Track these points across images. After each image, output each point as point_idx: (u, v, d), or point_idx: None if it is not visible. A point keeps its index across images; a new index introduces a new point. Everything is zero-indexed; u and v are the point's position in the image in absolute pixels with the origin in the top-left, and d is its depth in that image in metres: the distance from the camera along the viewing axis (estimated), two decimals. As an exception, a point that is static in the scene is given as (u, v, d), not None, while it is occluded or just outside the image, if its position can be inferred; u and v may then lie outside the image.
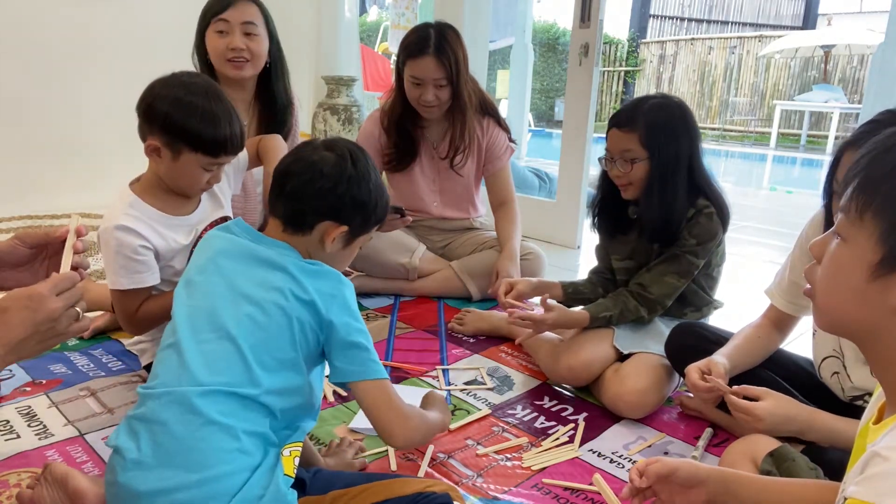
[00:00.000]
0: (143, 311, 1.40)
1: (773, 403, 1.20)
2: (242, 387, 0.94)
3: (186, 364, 0.95)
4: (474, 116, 2.24)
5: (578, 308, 1.68)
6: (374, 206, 1.08)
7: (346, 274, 1.35)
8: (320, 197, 1.03)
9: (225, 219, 1.52)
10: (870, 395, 1.24)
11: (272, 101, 2.01)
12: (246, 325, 0.96)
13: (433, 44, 2.07)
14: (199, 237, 1.46)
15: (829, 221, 1.23)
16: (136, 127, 1.34)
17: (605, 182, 1.71)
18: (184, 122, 1.29)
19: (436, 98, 2.12)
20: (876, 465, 0.63)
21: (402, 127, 2.24)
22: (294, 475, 0.97)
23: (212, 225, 1.48)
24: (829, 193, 1.23)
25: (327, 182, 1.02)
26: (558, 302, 1.81)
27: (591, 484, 1.27)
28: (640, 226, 1.68)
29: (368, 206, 1.07)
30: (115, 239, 1.34)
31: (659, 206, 1.59)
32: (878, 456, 0.63)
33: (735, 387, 1.24)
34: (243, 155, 1.61)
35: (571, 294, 1.82)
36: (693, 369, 1.32)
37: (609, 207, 1.74)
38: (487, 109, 2.30)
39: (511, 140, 2.34)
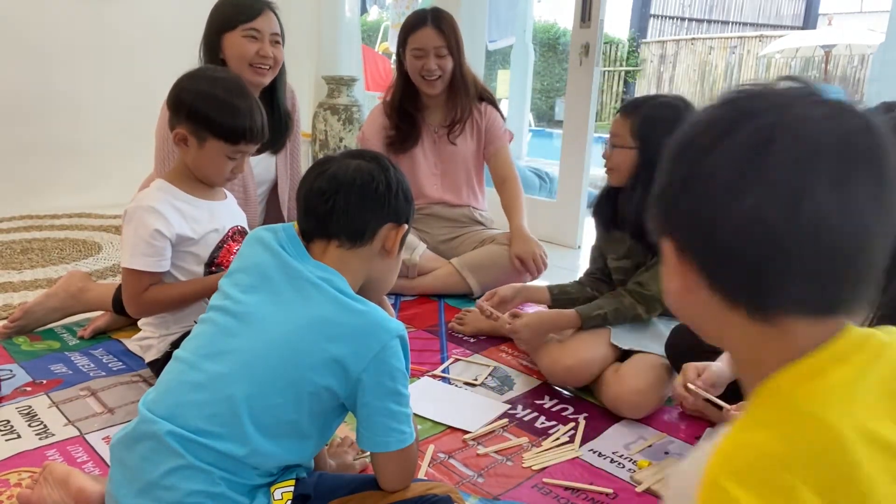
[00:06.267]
0: (150, 295, 1.43)
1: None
2: (226, 442, 0.88)
3: (180, 393, 0.91)
4: (473, 100, 2.34)
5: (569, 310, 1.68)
6: (413, 197, 1.08)
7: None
8: (380, 201, 1.01)
9: (241, 229, 1.55)
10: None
11: (277, 107, 2.07)
12: (250, 373, 0.90)
13: (430, 17, 2.23)
14: (224, 238, 1.49)
15: None
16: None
17: None
18: (208, 109, 1.36)
19: (438, 68, 2.22)
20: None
21: (404, 110, 2.33)
22: None
23: (230, 233, 1.51)
24: None
25: (381, 185, 1.01)
26: (547, 306, 1.82)
27: (591, 483, 1.28)
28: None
29: (412, 197, 1.07)
30: (138, 218, 1.39)
31: (638, 202, 1.58)
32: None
33: (733, 406, 1.23)
34: None
35: (558, 295, 1.82)
36: (690, 368, 1.32)
37: (610, 198, 1.74)
38: (484, 97, 2.41)
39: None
